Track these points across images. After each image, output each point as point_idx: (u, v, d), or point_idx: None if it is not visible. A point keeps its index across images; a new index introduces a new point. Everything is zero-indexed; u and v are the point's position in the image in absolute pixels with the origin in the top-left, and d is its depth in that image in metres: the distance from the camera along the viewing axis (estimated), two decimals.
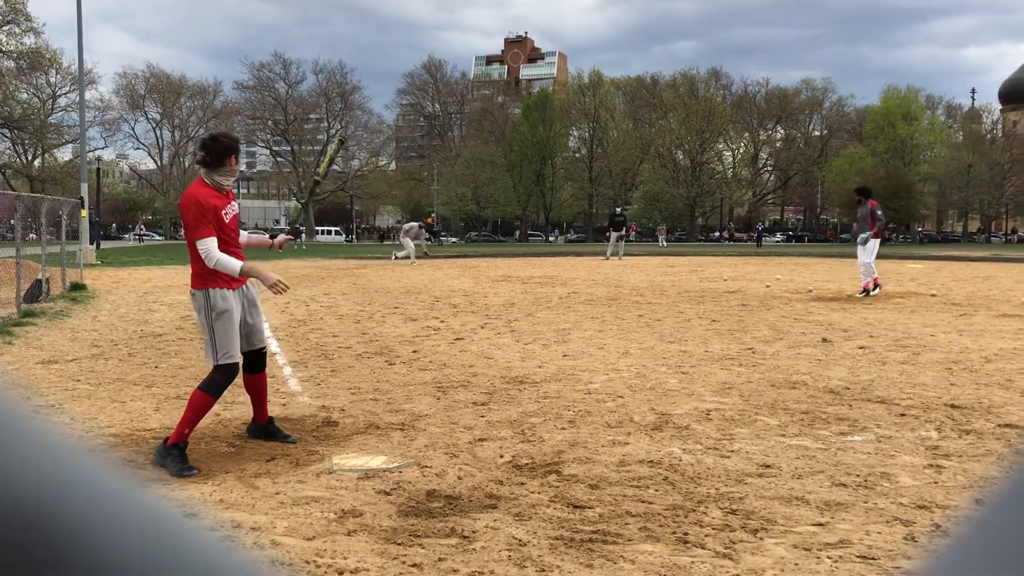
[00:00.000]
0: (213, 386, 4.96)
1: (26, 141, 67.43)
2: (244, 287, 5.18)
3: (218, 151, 4.96)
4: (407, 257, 29.72)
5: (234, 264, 4.92)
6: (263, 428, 5.34)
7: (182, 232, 5.31)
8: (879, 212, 14.87)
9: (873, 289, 15.06)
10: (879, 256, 15.74)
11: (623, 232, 32.69)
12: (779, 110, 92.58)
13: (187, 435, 4.81)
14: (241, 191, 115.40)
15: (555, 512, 3.94)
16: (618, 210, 35.22)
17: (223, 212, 4.98)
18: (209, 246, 4.86)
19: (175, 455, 4.68)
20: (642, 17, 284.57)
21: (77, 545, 0.29)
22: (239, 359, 5.08)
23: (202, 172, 5.00)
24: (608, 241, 32.86)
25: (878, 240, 14.90)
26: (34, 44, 62.27)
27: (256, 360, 5.33)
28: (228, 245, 5.01)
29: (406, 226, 31.38)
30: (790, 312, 12.51)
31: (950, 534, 0.33)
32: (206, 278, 4.95)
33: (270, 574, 0.34)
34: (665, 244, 60.68)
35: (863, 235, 15.01)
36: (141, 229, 71.01)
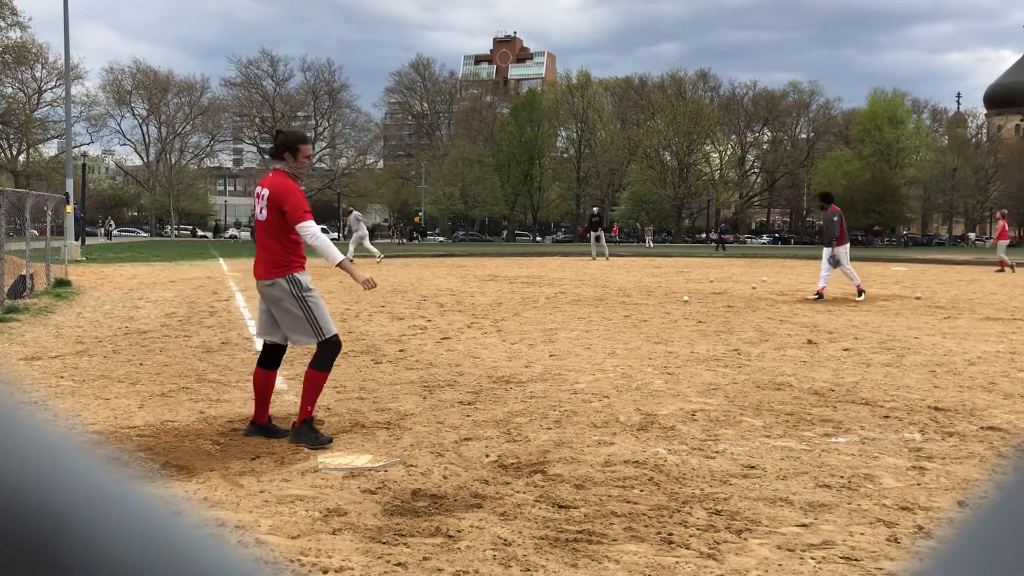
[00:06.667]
0: (324, 362, 5.21)
1: (11, 136, 66.99)
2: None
3: (286, 143, 5.32)
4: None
5: (335, 252, 5.25)
6: (263, 428, 5.32)
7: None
8: (835, 217, 14.68)
9: (817, 297, 14.86)
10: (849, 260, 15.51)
11: (600, 232, 32.88)
12: (766, 112, 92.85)
13: (311, 411, 5.11)
14: (228, 188, 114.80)
15: (540, 512, 3.94)
16: (595, 210, 35.51)
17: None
18: (314, 227, 5.16)
19: (306, 431, 5.04)
20: (625, 18, 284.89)
21: (69, 540, 0.29)
22: (336, 331, 5.34)
23: (279, 165, 5.31)
24: (590, 242, 33.16)
25: (844, 246, 14.77)
26: (20, 38, 61.96)
27: (275, 356, 5.45)
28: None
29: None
30: (776, 314, 12.56)
31: (943, 536, 0.33)
32: (286, 265, 5.19)
33: (256, 572, 0.34)
34: (652, 245, 60.81)
35: (835, 245, 14.68)
36: (111, 225, 68.71)
